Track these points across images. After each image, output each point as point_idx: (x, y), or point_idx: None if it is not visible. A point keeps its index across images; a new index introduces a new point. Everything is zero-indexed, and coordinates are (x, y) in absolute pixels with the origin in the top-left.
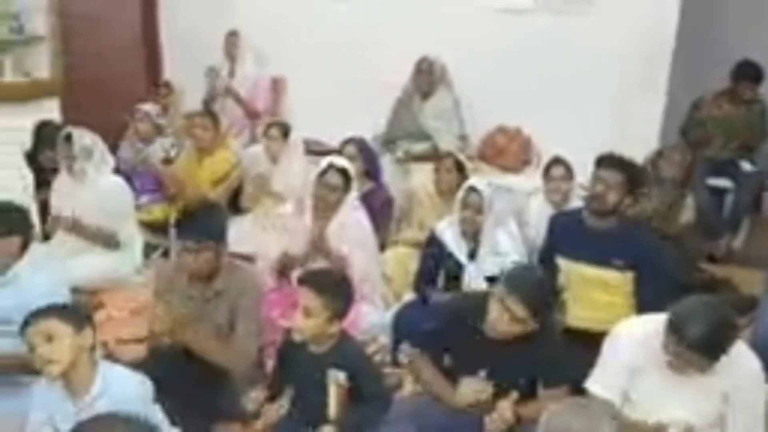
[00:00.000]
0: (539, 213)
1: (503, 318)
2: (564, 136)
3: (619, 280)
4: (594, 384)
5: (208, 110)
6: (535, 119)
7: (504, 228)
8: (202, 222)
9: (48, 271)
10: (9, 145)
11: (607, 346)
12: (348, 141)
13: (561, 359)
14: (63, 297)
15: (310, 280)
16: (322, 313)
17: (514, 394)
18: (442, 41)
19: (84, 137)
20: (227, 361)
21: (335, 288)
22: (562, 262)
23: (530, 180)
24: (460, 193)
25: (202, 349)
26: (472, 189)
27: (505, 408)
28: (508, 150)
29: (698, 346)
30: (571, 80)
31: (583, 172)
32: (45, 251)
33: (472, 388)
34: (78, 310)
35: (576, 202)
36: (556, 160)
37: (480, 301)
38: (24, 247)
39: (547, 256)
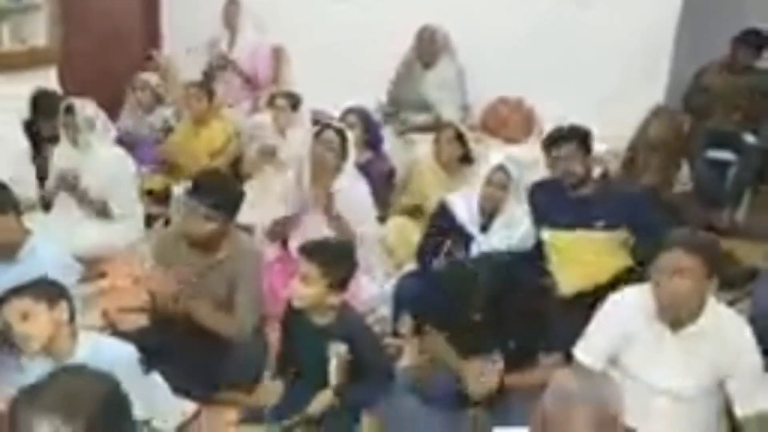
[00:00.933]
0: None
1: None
2: (567, 109)
3: (603, 238)
4: (578, 350)
5: (201, 81)
6: (538, 90)
7: (521, 203)
8: (219, 192)
9: (56, 242)
10: (6, 113)
11: (599, 313)
12: (348, 110)
13: (551, 324)
14: (72, 267)
15: (310, 248)
16: (320, 281)
17: (499, 361)
18: (445, 10)
19: (86, 108)
20: (225, 329)
21: (335, 257)
22: (546, 233)
23: (533, 150)
24: (487, 170)
25: (200, 316)
26: (500, 167)
27: (491, 371)
28: (510, 120)
29: None
30: (577, 51)
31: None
32: (47, 220)
33: (481, 379)
34: (50, 286)
35: None
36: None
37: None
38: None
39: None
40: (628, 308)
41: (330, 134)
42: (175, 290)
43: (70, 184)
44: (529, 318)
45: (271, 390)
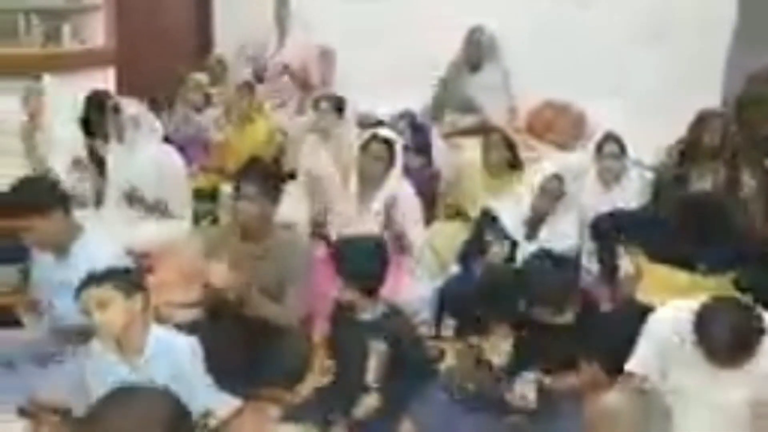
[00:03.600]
0: (590, 192)
1: None
2: (616, 114)
3: (706, 283)
4: (633, 365)
5: (247, 82)
6: (588, 95)
7: (570, 211)
8: (264, 177)
9: (109, 238)
10: (65, 111)
11: (646, 329)
12: (399, 115)
13: (596, 331)
14: (123, 263)
15: (334, 247)
16: (336, 278)
17: (532, 375)
18: (492, 13)
19: (130, 107)
20: (278, 318)
21: (345, 257)
22: (644, 263)
23: (582, 157)
24: (541, 177)
25: (255, 306)
26: (556, 177)
27: (528, 382)
28: (556, 124)
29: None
30: (626, 55)
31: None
32: (100, 216)
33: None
34: (129, 276)
35: (629, 182)
36: (609, 137)
37: (516, 277)
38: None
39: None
40: (668, 324)
41: (377, 147)
42: (232, 281)
43: (123, 189)
44: (575, 325)
45: (313, 387)
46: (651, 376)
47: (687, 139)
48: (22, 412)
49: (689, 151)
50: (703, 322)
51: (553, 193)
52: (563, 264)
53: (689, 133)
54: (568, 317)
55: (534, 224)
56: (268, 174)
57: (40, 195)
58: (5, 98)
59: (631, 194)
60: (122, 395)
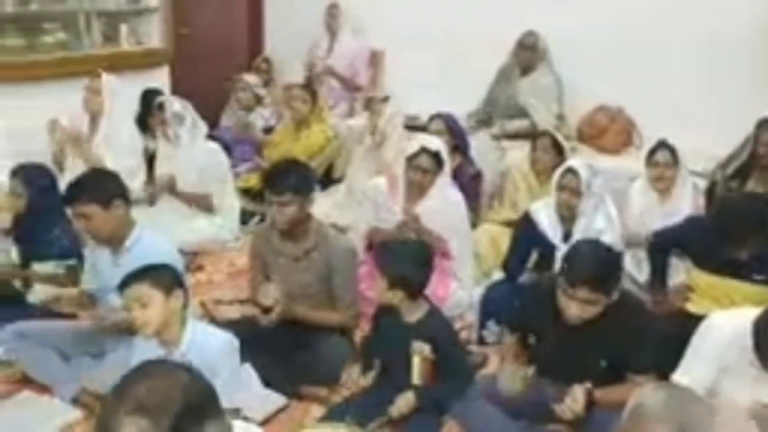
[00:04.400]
0: (641, 200)
1: (572, 307)
2: (669, 124)
3: (758, 291)
4: (680, 376)
5: (307, 84)
6: (639, 102)
7: (602, 210)
8: (284, 177)
9: (162, 235)
10: (122, 110)
11: (697, 339)
12: (435, 116)
13: (647, 341)
14: (177, 260)
15: (377, 250)
16: (380, 280)
17: (587, 384)
18: (544, 16)
19: (174, 104)
20: (335, 322)
21: (392, 258)
22: (693, 272)
23: (632, 163)
24: (557, 175)
25: (306, 317)
26: (570, 170)
27: (578, 395)
28: (609, 130)
29: None
30: (680, 63)
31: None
32: (152, 213)
33: (568, 403)
34: (169, 274)
35: (682, 190)
36: (662, 144)
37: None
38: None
39: (669, 247)
40: (724, 337)
41: (425, 160)
42: (279, 300)
43: (169, 186)
44: (625, 335)
45: (354, 387)
46: (699, 386)
47: (742, 149)
48: (76, 402)
49: (744, 161)
50: (762, 329)
51: (570, 187)
52: (602, 245)
53: (746, 142)
54: (605, 301)
55: (567, 225)
56: (301, 175)
57: (102, 187)
58: (66, 97)
59: (683, 203)
60: (146, 371)
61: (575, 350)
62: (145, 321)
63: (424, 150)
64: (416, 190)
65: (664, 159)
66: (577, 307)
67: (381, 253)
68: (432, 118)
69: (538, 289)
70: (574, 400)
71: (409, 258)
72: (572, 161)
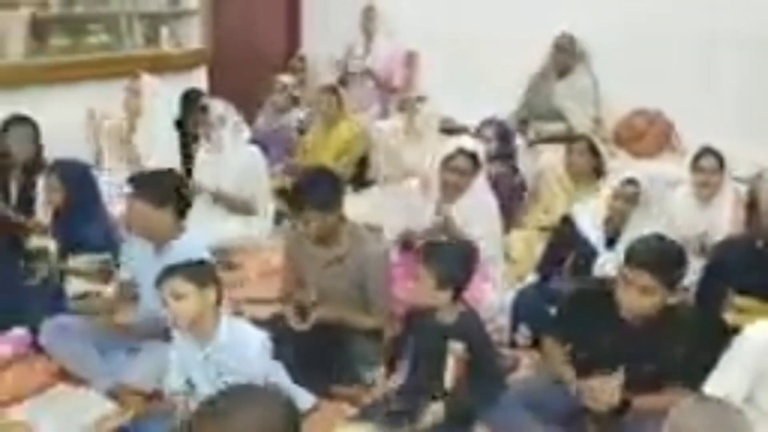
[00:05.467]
0: (683, 206)
1: (631, 294)
2: (710, 126)
3: None
4: (714, 388)
5: (331, 84)
6: (678, 105)
7: (652, 221)
8: (306, 193)
9: (196, 235)
10: (161, 111)
11: (732, 350)
12: (487, 122)
13: (699, 356)
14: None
15: (423, 248)
16: (428, 279)
17: (620, 376)
18: (581, 20)
19: (218, 107)
20: (369, 326)
21: (445, 257)
22: (737, 300)
23: (671, 168)
24: (616, 183)
25: (344, 323)
26: (631, 181)
27: (612, 386)
28: (647, 134)
29: None
30: (722, 65)
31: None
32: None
33: (606, 390)
34: (204, 269)
35: (723, 198)
36: (707, 150)
37: (606, 287)
38: (181, 214)
39: (711, 290)
40: (759, 344)
41: (461, 161)
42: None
43: (208, 187)
44: (679, 346)
45: (382, 389)
46: (735, 397)
47: None
48: (111, 395)
49: None
50: None
51: (629, 197)
52: (668, 237)
53: None
54: (664, 294)
55: (611, 232)
56: (323, 190)
57: (158, 188)
58: (107, 97)
59: (724, 211)
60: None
61: (625, 356)
62: (178, 313)
63: (461, 151)
64: (451, 191)
65: (709, 165)
66: (636, 294)
67: (430, 254)
68: (484, 123)
69: (584, 296)
70: (609, 392)
71: (459, 258)
72: (632, 172)
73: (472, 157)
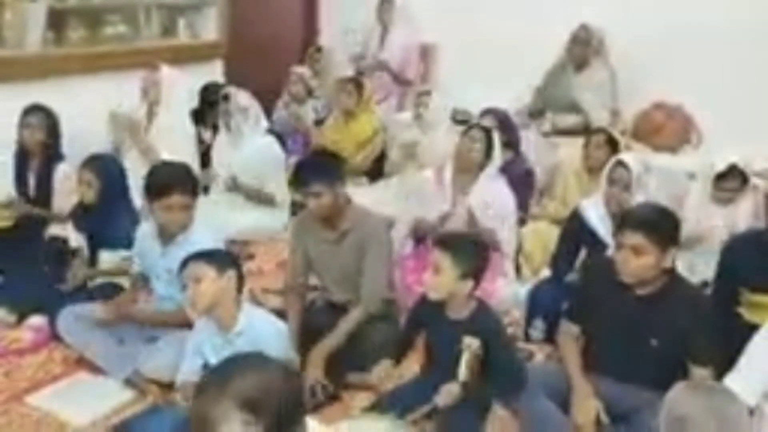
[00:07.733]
0: (698, 202)
1: (626, 257)
2: (731, 119)
3: None
4: (733, 381)
5: (353, 77)
6: (697, 98)
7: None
8: (312, 169)
9: (212, 225)
10: (177, 102)
11: (751, 345)
12: (486, 111)
13: (705, 330)
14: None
15: (442, 239)
16: (450, 270)
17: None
18: (598, 11)
19: (240, 97)
20: (359, 320)
21: (466, 247)
22: (747, 295)
23: (689, 161)
24: (607, 168)
25: (348, 333)
26: (620, 164)
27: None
28: (666, 128)
29: None
30: (742, 58)
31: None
32: (204, 203)
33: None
34: (224, 255)
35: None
36: (733, 169)
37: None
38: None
39: (724, 290)
40: None
41: (476, 132)
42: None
43: (225, 177)
44: (682, 319)
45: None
46: (754, 390)
47: None
48: (129, 383)
49: None
50: None
51: (620, 181)
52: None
53: None
54: (657, 257)
55: (618, 220)
56: (328, 165)
57: (175, 179)
58: (125, 88)
59: (742, 207)
60: (250, 363)
61: (630, 327)
62: (196, 295)
63: (478, 124)
64: (465, 169)
65: (733, 186)
66: (629, 254)
67: (453, 244)
68: (483, 113)
69: (595, 266)
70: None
71: (480, 249)
72: (623, 155)
73: (487, 132)
